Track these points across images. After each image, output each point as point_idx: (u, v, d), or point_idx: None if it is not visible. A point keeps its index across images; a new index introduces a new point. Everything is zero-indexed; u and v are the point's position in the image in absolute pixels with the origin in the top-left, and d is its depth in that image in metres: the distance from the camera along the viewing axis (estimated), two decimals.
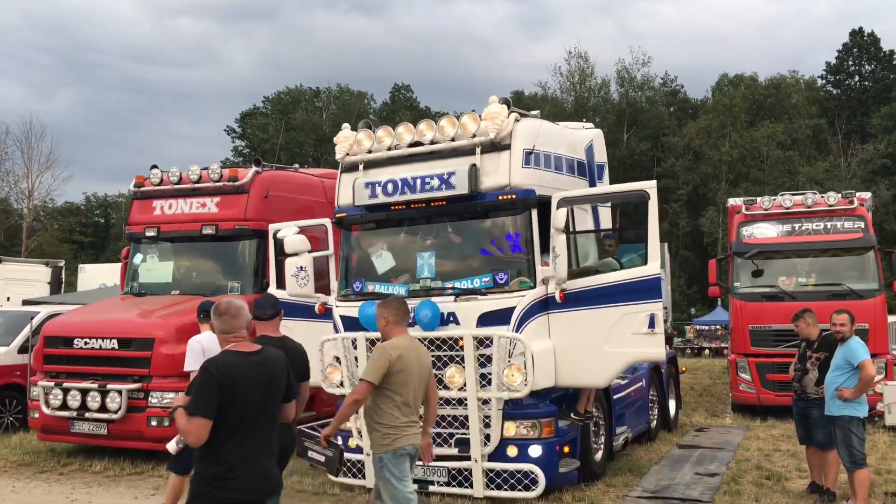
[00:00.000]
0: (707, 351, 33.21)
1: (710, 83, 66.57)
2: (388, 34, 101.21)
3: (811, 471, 8.32)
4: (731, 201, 15.34)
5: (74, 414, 9.74)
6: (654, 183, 7.68)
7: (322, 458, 5.63)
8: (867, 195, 14.93)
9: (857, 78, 59.85)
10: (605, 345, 7.53)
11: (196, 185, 11.12)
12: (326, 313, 8.72)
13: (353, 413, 5.58)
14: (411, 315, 7.73)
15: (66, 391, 9.81)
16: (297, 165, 12.89)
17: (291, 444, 5.83)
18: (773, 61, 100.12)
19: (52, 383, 9.94)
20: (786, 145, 53.31)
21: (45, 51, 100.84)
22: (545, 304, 7.77)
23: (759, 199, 14.51)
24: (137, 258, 11.61)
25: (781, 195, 14.40)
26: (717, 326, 34.30)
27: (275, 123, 63.38)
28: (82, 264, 27.73)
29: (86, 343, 9.94)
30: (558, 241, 7.39)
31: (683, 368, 15.44)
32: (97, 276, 22.26)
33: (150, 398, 9.47)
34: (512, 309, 7.54)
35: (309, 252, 8.71)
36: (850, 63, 59.79)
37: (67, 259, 31.90)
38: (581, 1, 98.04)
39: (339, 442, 8.52)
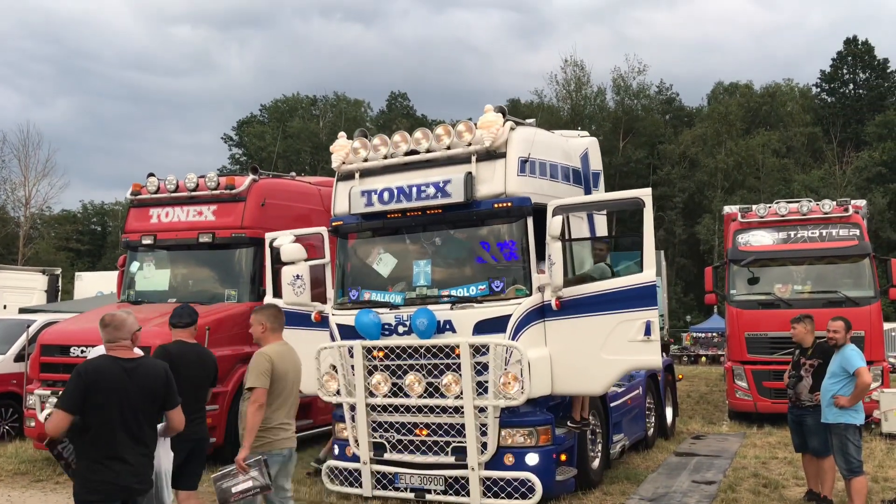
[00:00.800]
0: (704, 358, 33.26)
1: (705, 91, 67.18)
2: (384, 43, 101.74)
3: (808, 479, 8.32)
4: (727, 209, 15.38)
5: None
6: (648, 191, 7.71)
7: (249, 484, 5.48)
8: (862, 203, 15.01)
9: (851, 86, 60.21)
10: (601, 352, 7.53)
11: (193, 193, 11.12)
12: (323, 322, 8.73)
13: (259, 422, 5.63)
14: (408, 323, 7.80)
15: None
16: (293, 173, 12.89)
17: (201, 448, 6.06)
18: (768, 69, 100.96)
19: (48, 392, 9.91)
20: (781, 153, 53.56)
21: (41, 59, 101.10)
22: (541, 312, 7.77)
23: (754, 206, 14.55)
24: (134, 266, 11.59)
25: (777, 203, 14.45)
26: (714, 334, 34.41)
27: (272, 131, 63.48)
28: (79, 272, 27.69)
29: (82, 351, 9.89)
30: (554, 249, 7.41)
31: (680, 376, 15.43)
32: (94, 284, 22.25)
33: None
34: (508, 317, 7.53)
35: (305, 260, 8.71)
36: (845, 71, 60.17)
37: (64, 267, 31.84)
38: (576, 9, 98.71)
39: (336, 451, 8.51)
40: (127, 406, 4.55)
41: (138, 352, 4.94)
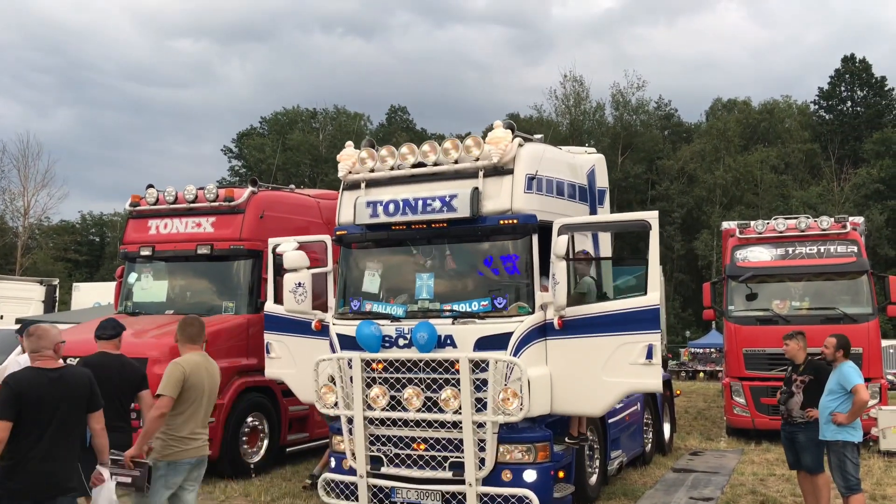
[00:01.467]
0: (702, 374, 33.23)
1: (703, 107, 67.37)
2: (384, 57, 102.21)
3: (805, 496, 8.27)
4: (725, 225, 15.42)
5: None
6: (655, 213, 7.68)
7: (129, 480, 5.80)
8: (860, 220, 15.05)
9: (849, 103, 60.51)
10: (602, 374, 7.49)
11: (192, 205, 11.13)
12: (323, 330, 8.71)
13: (158, 428, 5.89)
14: (408, 336, 7.77)
15: None
16: (293, 186, 12.90)
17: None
18: (766, 87, 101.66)
19: None
20: (779, 169, 53.76)
21: (43, 70, 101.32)
22: (543, 331, 7.74)
23: (752, 222, 14.59)
24: (132, 277, 11.58)
25: (775, 219, 14.48)
26: (712, 349, 34.36)
27: (271, 143, 63.59)
28: (76, 283, 27.65)
29: (78, 362, 9.87)
30: (559, 269, 7.37)
31: (678, 392, 15.42)
32: (91, 294, 22.21)
33: (142, 419, 9.38)
34: (510, 334, 7.50)
35: (308, 268, 8.70)
36: (843, 89, 60.49)
37: (62, 278, 31.77)
38: (574, 26, 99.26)
39: (333, 464, 8.47)
40: (55, 413, 4.97)
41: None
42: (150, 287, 11.47)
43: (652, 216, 7.64)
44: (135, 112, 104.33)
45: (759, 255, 14.09)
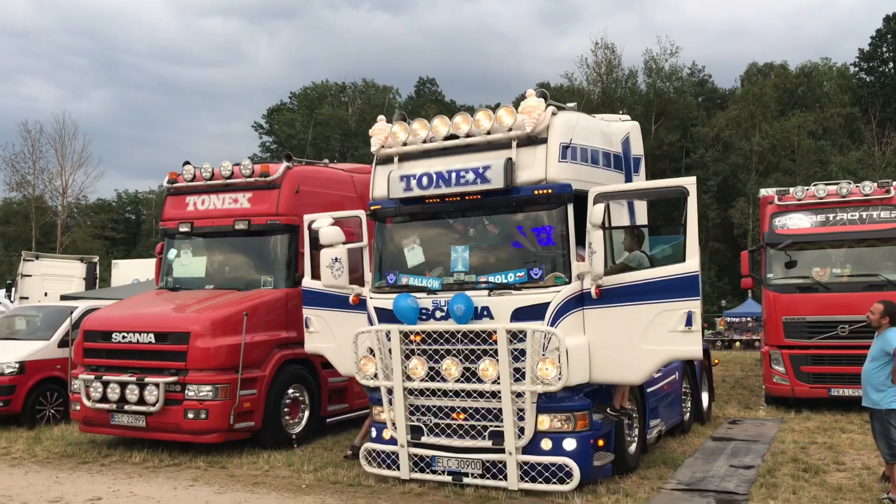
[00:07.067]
0: (738, 343, 32.91)
1: (738, 73, 65.71)
2: (412, 31, 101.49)
3: None
4: (764, 192, 15.12)
5: (114, 406, 9.92)
6: (693, 179, 7.60)
7: None
8: None
9: (891, 65, 58.58)
10: (640, 342, 7.46)
11: (228, 181, 11.23)
12: (360, 304, 8.79)
13: None
14: (445, 308, 7.82)
15: (105, 384, 9.99)
16: (327, 160, 12.95)
17: None
18: (803, 51, 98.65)
19: (92, 376, 10.13)
20: (817, 135, 52.45)
21: (78, 52, 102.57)
22: (580, 300, 7.72)
23: (791, 189, 14.30)
24: (171, 253, 11.77)
25: (815, 185, 14.16)
26: (748, 318, 34.00)
27: (302, 119, 63.74)
28: (115, 260, 28.18)
29: (124, 337, 10.12)
30: (595, 237, 7.34)
31: (716, 361, 15.32)
32: (130, 271, 22.66)
33: (186, 391, 9.61)
34: (546, 304, 7.50)
35: (343, 243, 8.76)
36: (885, 49, 58.52)
37: (100, 255, 32.37)
38: None
39: (374, 434, 8.59)
40: None
41: None
42: (189, 262, 11.64)
43: (689, 182, 7.56)
44: (167, 92, 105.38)
45: (799, 222, 13.83)
